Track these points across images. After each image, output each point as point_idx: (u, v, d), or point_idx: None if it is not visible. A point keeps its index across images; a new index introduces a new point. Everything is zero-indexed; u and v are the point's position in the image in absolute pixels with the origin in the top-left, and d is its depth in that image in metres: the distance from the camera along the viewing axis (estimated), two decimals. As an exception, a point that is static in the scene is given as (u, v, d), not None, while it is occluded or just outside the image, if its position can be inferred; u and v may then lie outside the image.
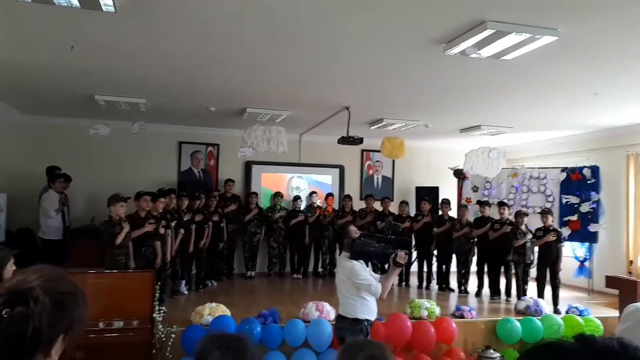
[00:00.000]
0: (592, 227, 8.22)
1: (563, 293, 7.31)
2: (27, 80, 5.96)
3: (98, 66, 5.28)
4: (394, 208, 9.05)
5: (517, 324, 5.91)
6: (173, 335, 4.90)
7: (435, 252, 8.47)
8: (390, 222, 4.11)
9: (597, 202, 8.27)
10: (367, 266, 4.07)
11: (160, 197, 6.43)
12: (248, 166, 9.59)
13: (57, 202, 7.17)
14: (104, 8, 3.54)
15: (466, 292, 8.01)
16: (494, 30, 3.74)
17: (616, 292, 6.68)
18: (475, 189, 9.49)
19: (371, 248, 3.79)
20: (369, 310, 3.95)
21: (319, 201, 9.29)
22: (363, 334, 3.88)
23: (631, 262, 7.35)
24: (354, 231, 4.05)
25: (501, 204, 7.90)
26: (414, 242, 8.54)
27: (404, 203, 8.80)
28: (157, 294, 5.01)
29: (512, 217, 7.83)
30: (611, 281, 6.69)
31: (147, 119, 7.59)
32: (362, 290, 3.87)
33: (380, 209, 8.98)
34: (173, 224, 6.70)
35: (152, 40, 4.41)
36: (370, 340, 1.68)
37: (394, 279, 4.00)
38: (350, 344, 1.67)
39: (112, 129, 7.59)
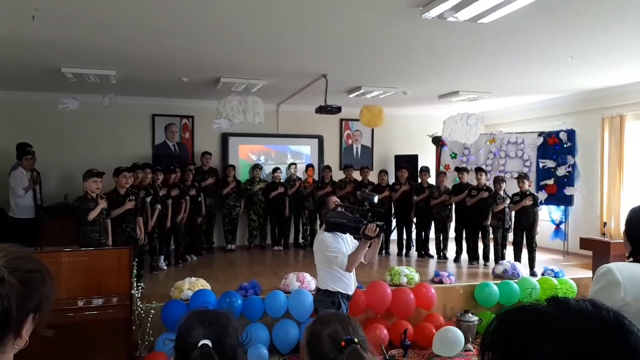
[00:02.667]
0: (567, 191, 8.35)
1: (540, 256, 7.46)
2: (-11, 53, 5.68)
3: (63, 37, 5.04)
4: (373, 177, 9.04)
5: (495, 287, 6.02)
6: (153, 311, 4.86)
7: (414, 219, 8.54)
8: (365, 193, 3.96)
9: (573, 165, 8.39)
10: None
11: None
12: (224, 138, 9.43)
13: (27, 180, 6.96)
14: (61, -27, 3.34)
15: (445, 258, 8.13)
16: (472, -8, 3.66)
17: (590, 253, 6.84)
18: (453, 155, 9.53)
19: (344, 219, 3.64)
20: (341, 283, 3.80)
21: (299, 172, 9.24)
22: (335, 306, 3.76)
23: (605, 223, 7.51)
24: (333, 202, 3.93)
25: (478, 170, 7.95)
26: (393, 211, 8.63)
27: (383, 172, 8.79)
28: (135, 270, 4.95)
29: (489, 183, 7.90)
30: (585, 243, 6.84)
31: (118, 91, 7.34)
32: (332, 262, 3.74)
33: (359, 178, 8.97)
34: (149, 199, 6.58)
35: (118, 8, 4.20)
36: (337, 315, 1.64)
37: (375, 252, 3.86)
38: (318, 319, 1.64)
39: (82, 102, 7.32)
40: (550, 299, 0.81)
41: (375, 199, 3.79)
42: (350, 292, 3.89)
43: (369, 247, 3.73)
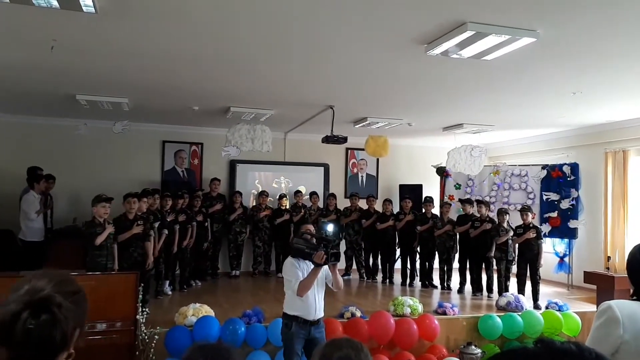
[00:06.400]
0: (571, 224, 8.38)
1: (543, 288, 7.44)
2: (7, 79, 5.87)
3: (79, 66, 5.22)
4: (378, 206, 9.11)
5: (498, 320, 6.00)
6: (156, 337, 4.89)
7: (418, 249, 8.56)
8: (320, 221, 4.15)
9: (577, 198, 8.43)
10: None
11: (143, 197, 6.40)
12: (232, 165, 9.56)
13: (38, 204, 7.08)
14: (84, 9, 3.51)
15: (449, 288, 8.11)
16: (474, 32, 3.79)
17: (594, 287, 6.82)
18: (457, 186, 9.60)
19: (303, 246, 3.83)
20: (298, 307, 3.89)
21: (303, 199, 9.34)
22: (287, 328, 3.91)
23: (609, 257, 7.51)
24: (304, 229, 4.05)
25: (479, 202, 8.02)
26: (397, 240, 8.68)
27: (387, 201, 8.86)
28: (141, 295, 4.99)
29: (493, 214, 7.94)
30: (589, 277, 6.83)
31: (130, 118, 7.54)
32: (288, 286, 3.91)
33: (365, 207, 9.04)
34: (156, 224, 6.66)
35: (133, 40, 4.38)
36: (350, 341, 1.69)
37: (336, 279, 3.93)
38: (330, 343, 1.69)
39: (94, 127, 7.51)
40: (537, 340, 0.88)
41: (329, 227, 4.02)
42: (311, 318, 3.92)
43: (333, 272, 3.89)
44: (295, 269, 3.86)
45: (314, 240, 3.87)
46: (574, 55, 4.58)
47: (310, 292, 3.85)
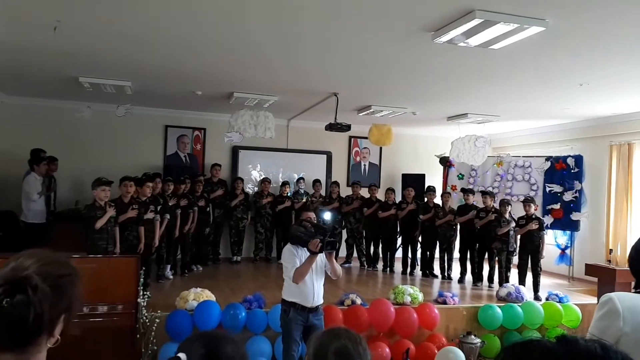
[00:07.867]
0: (574, 216, 8.35)
1: (544, 280, 7.44)
2: (10, 61, 5.83)
3: (82, 48, 5.18)
4: (380, 195, 9.09)
5: (498, 310, 6.01)
6: (157, 320, 4.91)
7: (419, 238, 8.56)
8: (318, 209, 4.14)
9: (580, 191, 8.39)
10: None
11: (147, 182, 6.39)
12: (235, 151, 9.54)
13: (40, 185, 7.07)
14: (87, -11, 3.47)
15: (449, 278, 8.12)
16: (482, 20, 3.75)
17: (596, 279, 6.82)
18: (460, 176, 9.57)
19: (301, 233, 3.85)
20: (295, 294, 3.92)
21: (304, 187, 9.33)
22: (286, 314, 3.94)
23: (611, 250, 7.49)
24: (304, 216, 4.05)
25: (484, 193, 7.99)
26: (399, 229, 8.67)
27: (390, 190, 8.84)
28: (142, 279, 5.00)
29: (496, 206, 7.92)
30: (591, 269, 6.82)
31: (133, 101, 7.51)
32: (285, 273, 3.95)
33: (367, 195, 9.02)
34: (158, 208, 6.66)
35: (137, 23, 4.34)
36: (348, 332, 1.67)
37: (334, 267, 3.94)
38: (328, 331, 1.68)
39: (97, 111, 7.45)
40: (559, 337, 0.81)
41: (326, 215, 4.04)
42: (309, 305, 3.94)
43: (329, 261, 3.91)
44: (293, 256, 3.88)
45: (313, 228, 3.87)
46: (583, 46, 4.53)
47: (308, 279, 3.86)
